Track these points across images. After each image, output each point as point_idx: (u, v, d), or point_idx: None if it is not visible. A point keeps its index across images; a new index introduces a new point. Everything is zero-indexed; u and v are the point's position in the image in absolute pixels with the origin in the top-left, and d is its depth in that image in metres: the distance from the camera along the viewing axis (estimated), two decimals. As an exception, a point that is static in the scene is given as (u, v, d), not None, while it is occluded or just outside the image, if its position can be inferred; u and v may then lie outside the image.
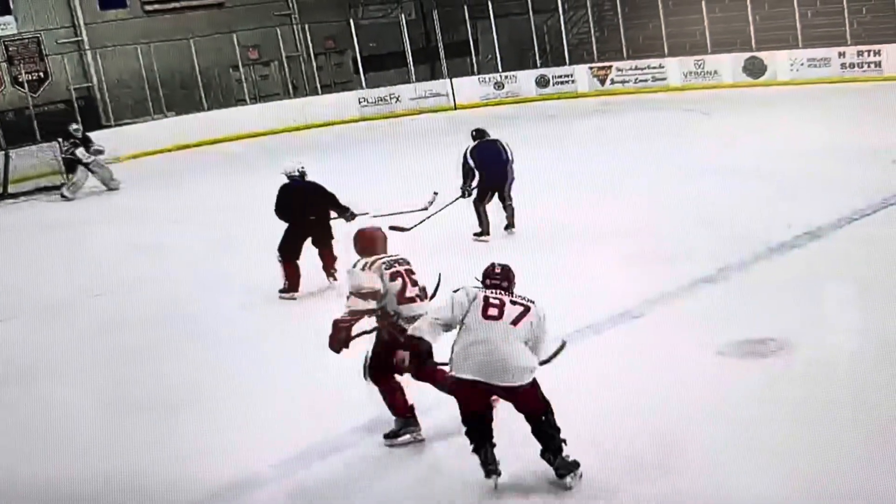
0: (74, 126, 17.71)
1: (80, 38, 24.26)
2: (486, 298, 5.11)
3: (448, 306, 5.13)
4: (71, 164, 17.38)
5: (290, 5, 27.38)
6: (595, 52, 23.98)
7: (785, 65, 20.84)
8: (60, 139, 17.48)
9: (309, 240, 9.18)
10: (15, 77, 23.33)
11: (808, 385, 5.89)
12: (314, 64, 26.56)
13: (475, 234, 10.25)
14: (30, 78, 23.39)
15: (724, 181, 11.57)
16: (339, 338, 5.50)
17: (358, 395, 5.81)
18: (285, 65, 26.31)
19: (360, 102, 24.82)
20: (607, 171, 12.87)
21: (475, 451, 5.08)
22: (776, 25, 21.39)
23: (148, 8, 25.10)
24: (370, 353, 5.63)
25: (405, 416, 5.68)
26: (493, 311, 5.05)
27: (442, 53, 25.90)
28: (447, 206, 9.91)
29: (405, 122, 22.82)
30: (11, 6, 23.23)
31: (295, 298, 8.98)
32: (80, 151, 17.16)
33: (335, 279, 9.01)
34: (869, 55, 19.90)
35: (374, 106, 24.54)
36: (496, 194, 10.28)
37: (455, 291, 5.18)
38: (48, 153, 18.43)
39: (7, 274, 11.78)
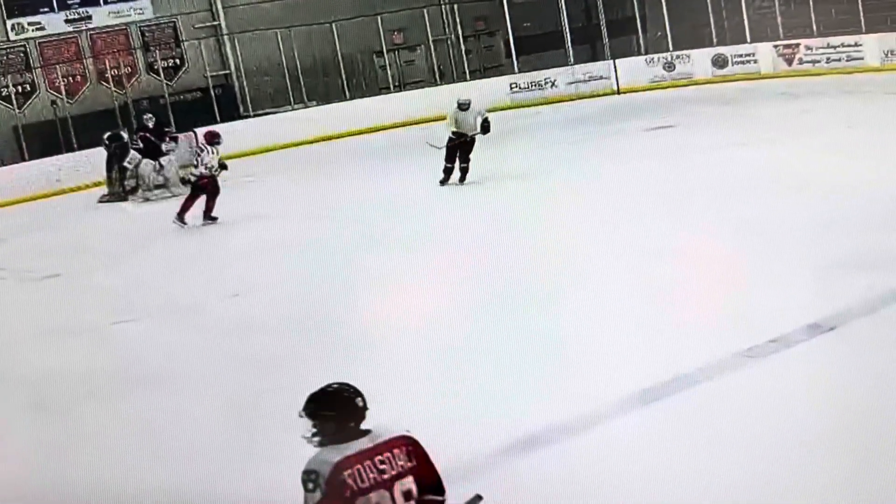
0: None
1: (217, 23, 24.93)
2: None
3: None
4: None
5: (439, -17, 27.47)
6: (780, 28, 23.14)
7: None
8: None
9: None
10: (150, 64, 24.18)
11: None
12: (462, 47, 26.63)
13: None
14: (166, 65, 24.23)
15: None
16: None
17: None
18: (432, 49, 26.47)
19: (510, 88, 24.72)
20: (795, 164, 12.35)
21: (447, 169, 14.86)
22: None
23: (288, -10, 25.54)
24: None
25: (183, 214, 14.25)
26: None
27: (605, 32, 25.53)
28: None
29: (561, 109, 22.61)
30: (147, -11, 24.13)
31: None
32: None
33: None
34: None
35: (527, 92, 24.40)
36: None
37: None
38: (184, 143, 19.20)
39: (139, 270, 12.23)
